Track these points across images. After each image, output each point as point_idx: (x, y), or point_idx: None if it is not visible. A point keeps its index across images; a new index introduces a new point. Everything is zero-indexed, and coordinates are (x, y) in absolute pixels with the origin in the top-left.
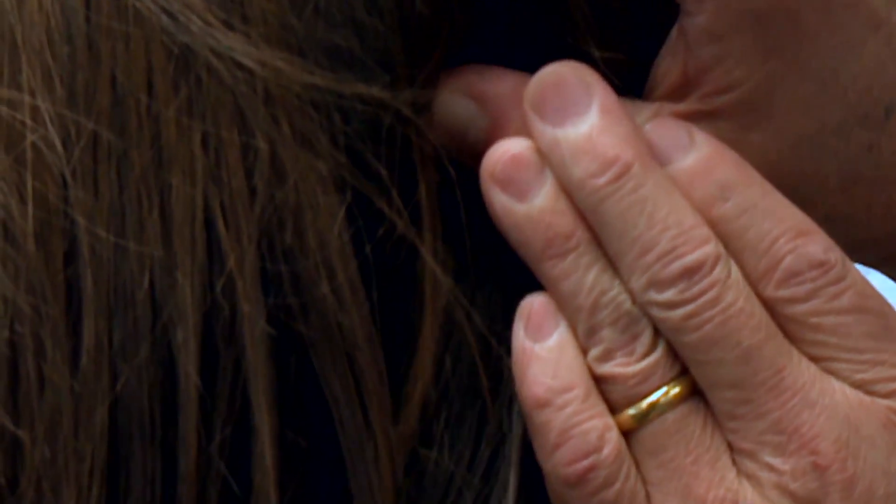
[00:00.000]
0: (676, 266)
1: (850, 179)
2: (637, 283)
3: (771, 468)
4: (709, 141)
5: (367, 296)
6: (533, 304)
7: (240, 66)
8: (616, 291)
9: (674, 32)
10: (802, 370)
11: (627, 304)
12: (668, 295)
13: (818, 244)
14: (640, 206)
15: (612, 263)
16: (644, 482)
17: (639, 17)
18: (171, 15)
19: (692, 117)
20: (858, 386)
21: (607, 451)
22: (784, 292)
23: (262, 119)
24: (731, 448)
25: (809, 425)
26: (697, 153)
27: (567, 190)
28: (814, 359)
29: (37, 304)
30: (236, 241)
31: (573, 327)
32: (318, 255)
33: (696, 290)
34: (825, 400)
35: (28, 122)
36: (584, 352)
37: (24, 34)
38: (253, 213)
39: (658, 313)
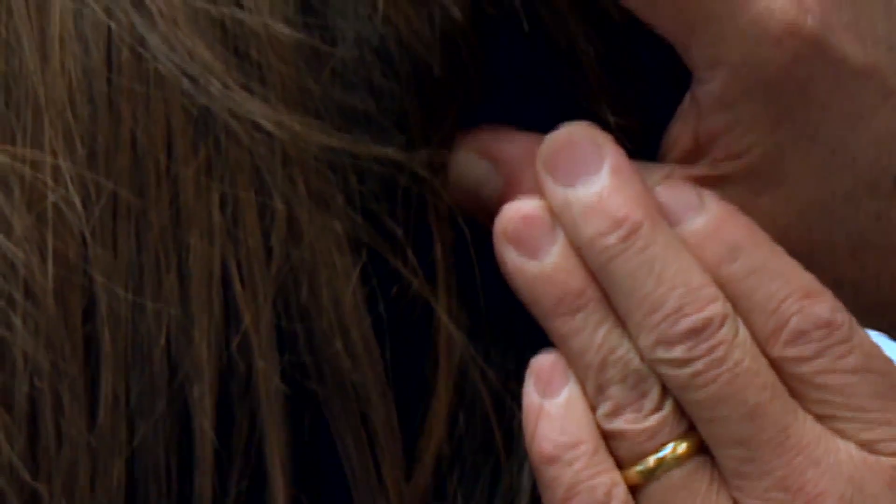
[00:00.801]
0: (684, 325)
1: (859, 247)
2: (646, 341)
3: None
4: (718, 202)
5: (381, 354)
6: (543, 362)
7: (258, 127)
8: (625, 349)
9: (686, 99)
10: (808, 429)
11: (636, 362)
12: (676, 353)
13: (825, 304)
14: (649, 265)
15: (621, 322)
16: None
17: (652, 83)
18: (191, 77)
19: (703, 182)
20: (864, 445)
21: (616, 502)
22: (790, 351)
23: (279, 180)
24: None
25: (814, 483)
26: (707, 214)
27: (578, 249)
28: (819, 417)
29: (56, 360)
30: (252, 299)
31: (582, 384)
32: (333, 313)
33: (703, 348)
34: (830, 458)
35: (49, 181)
36: (593, 408)
37: (46, 94)
38: (269, 272)
39: (666, 371)
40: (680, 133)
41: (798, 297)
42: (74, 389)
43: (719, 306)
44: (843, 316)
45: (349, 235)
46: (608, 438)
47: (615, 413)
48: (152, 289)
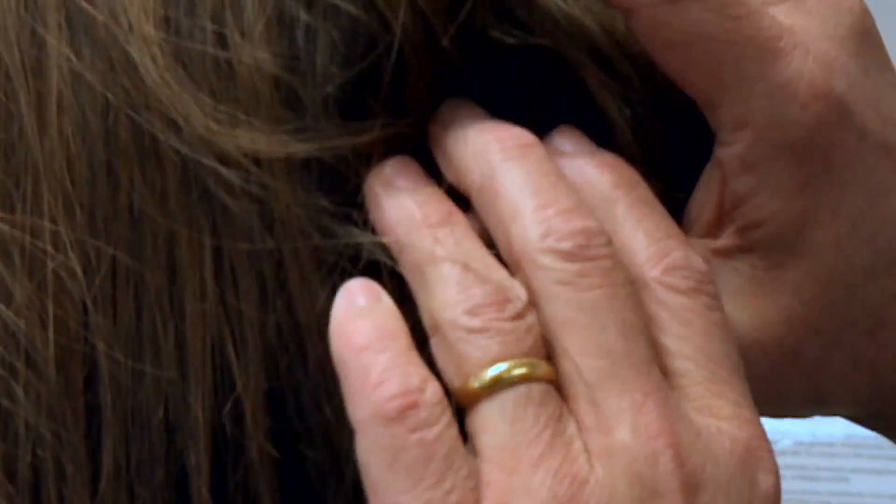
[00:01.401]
0: (577, 224)
1: (877, 325)
2: (535, 231)
3: (625, 448)
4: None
5: None
6: (353, 282)
7: (248, 190)
8: (491, 259)
9: (709, 166)
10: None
11: (502, 273)
12: (566, 245)
13: (702, 260)
14: (546, 170)
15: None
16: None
17: (677, 147)
18: (180, 134)
19: (728, 253)
20: (702, 410)
21: (430, 393)
22: (668, 278)
23: (269, 234)
24: (580, 427)
25: (662, 421)
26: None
27: (465, 166)
28: (673, 355)
29: (58, 430)
30: (245, 364)
31: (431, 290)
32: (320, 376)
33: (592, 252)
34: (674, 405)
35: (49, 249)
36: (449, 307)
37: (44, 161)
38: (262, 336)
39: (551, 263)
40: (704, 202)
41: (679, 241)
42: (77, 459)
43: (602, 226)
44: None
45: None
46: (460, 341)
47: (477, 310)
48: (151, 355)
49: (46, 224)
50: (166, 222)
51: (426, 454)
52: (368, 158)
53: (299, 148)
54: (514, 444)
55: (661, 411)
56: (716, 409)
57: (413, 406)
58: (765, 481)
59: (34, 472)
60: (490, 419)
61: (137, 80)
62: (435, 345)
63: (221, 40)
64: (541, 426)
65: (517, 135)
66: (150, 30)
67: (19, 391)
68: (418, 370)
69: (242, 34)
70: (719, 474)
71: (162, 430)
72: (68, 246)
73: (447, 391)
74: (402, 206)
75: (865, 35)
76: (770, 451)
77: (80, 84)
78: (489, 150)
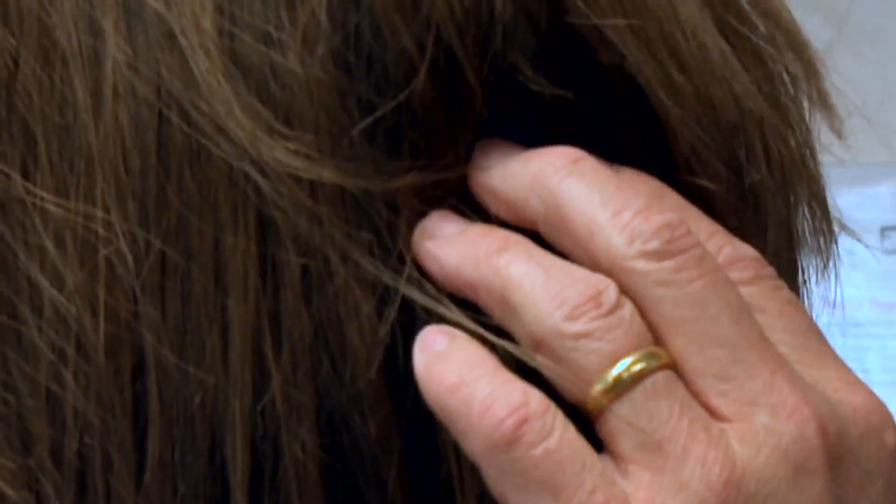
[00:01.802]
0: (657, 220)
1: None
2: (619, 239)
3: (768, 430)
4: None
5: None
6: (424, 331)
7: (294, 182)
8: (574, 266)
9: None
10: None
11: (584, 272)
12: (654, 245)
13: (750, 247)
14: (606, 180)
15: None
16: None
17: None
18: (230, 139)
19: None
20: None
21: (535, 403)
22: (731, 273)
23: (314, 240)
24: (715, 416)
25: (796, 394)
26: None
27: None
28: None
29: (105, 418)
30: (285, 362)
31: (522, 309)
32: (364, 389)
33: (680, 244)
34: (797, 377)
35: (102, 234)
36: (545, 317)
37: (99, 148)
38: (303, 339)
39: (644, 266)
40: None
41: (724, 235)
42: (123, 447)
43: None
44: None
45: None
46: (570, 350)
47: (575, 313)
48: (195, 349)
49: (99, 210)
50: (213, 220)
51: (556, 463)
52: (397, 203)
53: (335, 177)
54: (656, 441)
55: (792, 385)
56: (825, 381)
57: (524, 421)
58: (890, 440)
59: (81, 459)
60: (624, 421)
61: (190, 76)
62: (543, 362)
63: (276, 45)
64: (676, 415)
65: (565, 153)
66: (206, 24)
67: (69, 376)
68: (515, 385)
69: (299, 41)
70: (852, 442)
71: (204, 422)
72: (120, 234)
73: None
74: (460, 250)
75: None
76: (885, 408)
77: (136, 74)
78: (543, 175)
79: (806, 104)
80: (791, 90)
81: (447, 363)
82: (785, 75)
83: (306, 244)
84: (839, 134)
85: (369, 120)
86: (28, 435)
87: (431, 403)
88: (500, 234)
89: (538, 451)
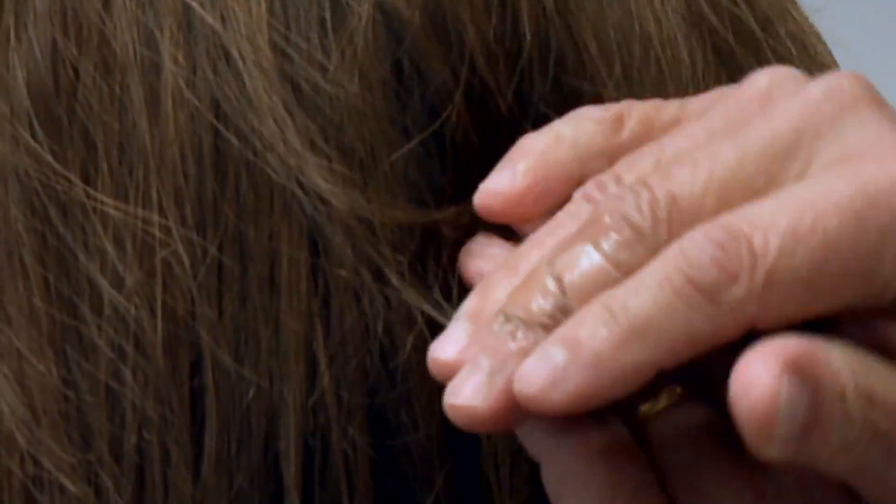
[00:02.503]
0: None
1: None
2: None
3: None
4: None
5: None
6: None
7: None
8: None
9: None
10: None
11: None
12: None
13: None
14: None
15: None
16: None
17: None
18: (281, 157)
19: None
20: None
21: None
22: None
23: (362, 256)
24: None
25: None
26: None
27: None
28: None
29: (164, 413)
30: (335, 361)
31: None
32: (415, 394)
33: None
34: None
35: (159, 237)
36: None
37: (155, 154)
38: (353, 339)
39: None
40: None
41: None
42: (181, 442)
43: None
44: None
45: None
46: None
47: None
48: (250, 348)
49: (156, 214)
50: (266, 227)
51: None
52: (435, 233)
53: (372, 209)
54: None
55: None
56: None
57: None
58: None
59: (140, 453)
60: None
61: (243, 90)
62: None
63: (324, 69)
64: None
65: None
66: (261, 42)
67: (128, 374)
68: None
69: (347, 67)
70: None
71: (259, 418)
72: (177, 237)
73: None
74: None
75: None
76: None
77: (191, 84)
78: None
79: None
80: None
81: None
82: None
83: (350, 258)
84: None
85: (407, 148)
86: (88, 430)
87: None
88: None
89: None
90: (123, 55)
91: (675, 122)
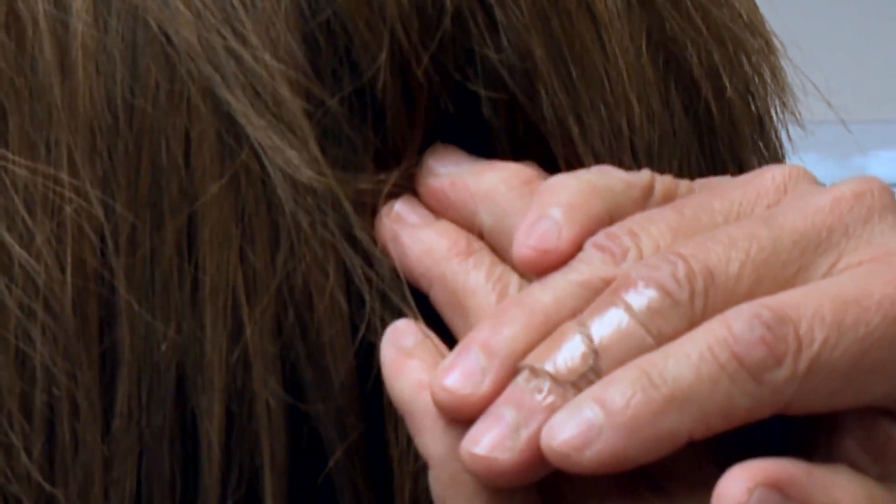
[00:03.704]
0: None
1: None
2: None
3: None
4: None
5: (360, 382)
6: (396, 325)
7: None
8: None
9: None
10: None
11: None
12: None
13: None
14: None
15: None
16: None
17: None
18: (217, 99)
19: None
20: None
21: None
22: None
23: (290, 205)
24: None
25: None
26: None
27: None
28: None
29: (73, 371)
30: (255, 314)
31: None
32: (330, 345)
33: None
34: None
35: (69, 195)
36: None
37: (67, 108)
38: (270, 290)
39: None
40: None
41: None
42: (91, 398)
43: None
44: None
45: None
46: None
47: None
48: (165, 299)
49: (67, 170)
50: (189, 176)
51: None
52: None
53: (289, 163)
54: None
55: None
56: None
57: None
58: None
59: (49, 409)
60: None
61: (162, 42)
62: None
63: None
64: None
65: (518, 172)
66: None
67: (37, 333)
68: None
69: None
70: None
71: (170, 372)
72: (89, 192)
73: None
74: (425, 240)
75: None
76: None
77: (103, 42)
78: (495, 191)
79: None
80: (749, 66)
81: (415, 360)
82: (744, 54)
83: (278, 205)
84: (794, 113)
85: (333, 99)
86: None
87: (392, 395)
88: (466, 237)
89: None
90: (32, 14)
91: (690, 194)
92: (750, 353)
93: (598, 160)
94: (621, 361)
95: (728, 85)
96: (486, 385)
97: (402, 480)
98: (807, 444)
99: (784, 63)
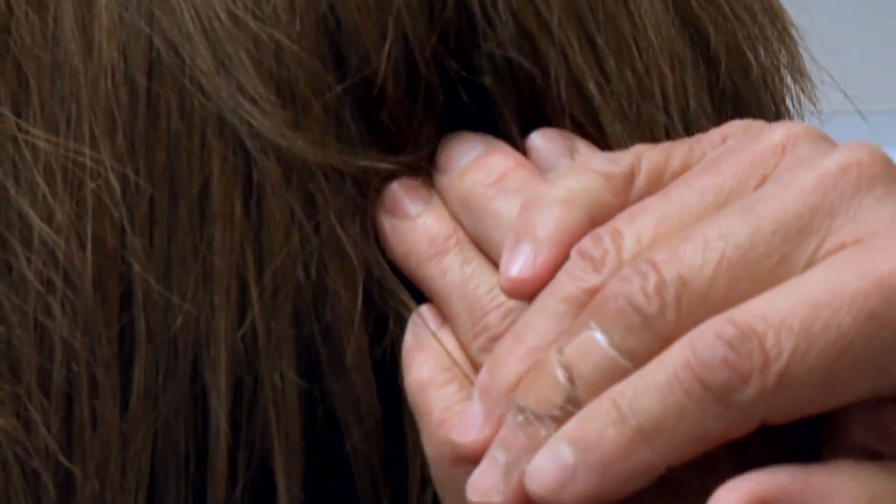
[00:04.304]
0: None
1: None
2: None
3: None
4: (587, 146)
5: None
6: (422, 309)
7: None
8: (495, 283)
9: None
10: None
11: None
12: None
13: None
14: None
15: (491, 262)
16: None
17: None
18: (220, 90)
19: None
20: None
21: (489, 430)
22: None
23: (297, 190)
24: None
25: None
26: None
27: (454, 204)
28: None
29: (92, 346)
30: (266, 292)
31: (455, 324)
32: (343, 322)
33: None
34: None
35: (90, 170)
36: (467, 344)
37: (89, 86)
38: (281, 270)
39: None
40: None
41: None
42: (110, 374)
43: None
44: None
45: (349, 245)
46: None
47: (492, 342)
48: (181, 277)
49: (88, 146)
50: (200, 155)
51: None
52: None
53: (298, 145)
54: None
55: None
56: None
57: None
58: None
59: (68, 385)
60: None
61: (178, 24)
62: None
63: (261, 6)
64: None
65: (492, 169)
66: None
67: (56, 307)
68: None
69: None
70: None
71: (186, 349)
72: (108, 169)
73: None
74: (408, 240)
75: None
76: None
77: (125, 19)
78: (472, 195)
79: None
80: (764, 53)
81: (423, 354)
82: (760, 39)
83: (285, 186)
84: (812, 101)
85: (339, 89)
86: (17, 363)
87: (406, 389)
88: (445, 230)
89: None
90: None
91: (685, 168)
92: (713, 376)
93: (625, 131)
94: (599, 389)
95: (754, 63)
96: (485, 431)
97: (416, 467)
98: (824, 429)
99: (802, 52)
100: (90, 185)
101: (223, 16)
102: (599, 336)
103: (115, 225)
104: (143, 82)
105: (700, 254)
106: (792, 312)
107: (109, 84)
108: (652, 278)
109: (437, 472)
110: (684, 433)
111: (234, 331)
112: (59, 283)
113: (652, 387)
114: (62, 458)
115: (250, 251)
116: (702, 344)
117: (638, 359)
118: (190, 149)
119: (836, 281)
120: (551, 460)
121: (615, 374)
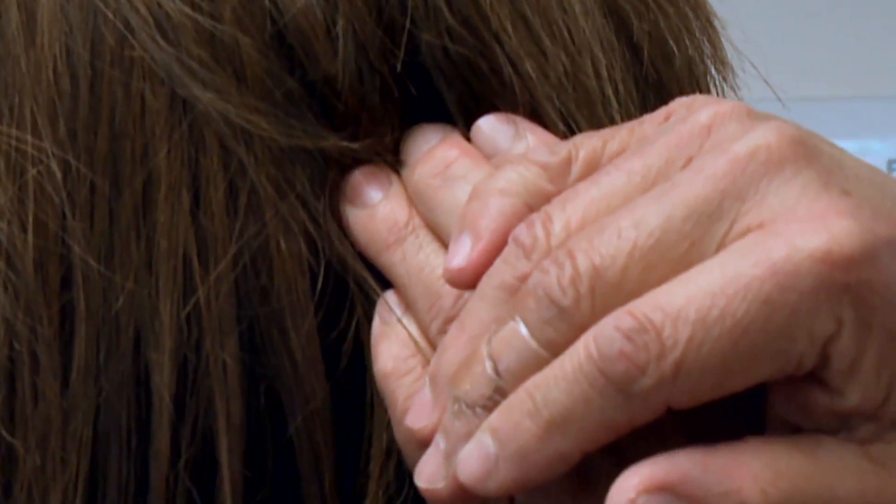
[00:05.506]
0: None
1: None
2: None
3: None
4: (533, 129)
5: (322, 345)
6: (386, 295)
7: (230, 122)
8: None
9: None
10: None
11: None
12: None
13: None
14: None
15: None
16: None
17: None
18: (169, 69)
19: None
20: None
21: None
22: None
23: (245, 166)
24: None
25: None
26: (523, 142)
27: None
28: None
29: (34, 325)
30: (210, 276)
31: (414, 308)
32: (285, 304)
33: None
34: None
35: (32, 156)
36: (426, 328)
37: (31, 75)
38: (228, 251)
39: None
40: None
41: None
42: (50, 352)
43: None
44: None
45: (303, 229)
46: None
47: (446, 325)
48: (122, 259)
49: (30, 133)
50: (142, 146)
51: None
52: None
53: (252, 122)
54: None
55: None
56: None
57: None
58: None
59: (10, 363)
60: None
61: (122, 12)
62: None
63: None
64: None
65: (438, 160)
66: None
67: None
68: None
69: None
70: None
71: (128, 327)
72: (50, 155)
73: None
74: (368, 228)
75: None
76: None
77: (68, 8)
78: (420, 187)
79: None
80: (688, 43)
81: (386, 344)
82: (683, 29)
83: (239, 171)
84: (733, 88)
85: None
86: None
87: (374, 377)
88: (402, 218)
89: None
90: None
91: (622, 151)
92: (612, 368)
93: (564, 104)
94: (521, 378)
95: (677, 52)
96: (433, 417)
97: (379, 452)
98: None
99: (724, 42)
100: (31, 172)
101: (172, 5)
102: (522, 328)
103: (56, 209)
104: (87, 71)
105: (613, 243)
106: (689, 302)
107: (51, 73)
108: (568, 270)
109: (407, 457)
110: (593, 423)
111: (180, 310)
112: (1, 265)
113: (561, 379)
114: (4, 433)
115: (195, 233)
116: (602, 337)
117: (557, 350)
118: (134, 135)
119: (732, 269)
120: (476, 450)
121: (537, 365)
